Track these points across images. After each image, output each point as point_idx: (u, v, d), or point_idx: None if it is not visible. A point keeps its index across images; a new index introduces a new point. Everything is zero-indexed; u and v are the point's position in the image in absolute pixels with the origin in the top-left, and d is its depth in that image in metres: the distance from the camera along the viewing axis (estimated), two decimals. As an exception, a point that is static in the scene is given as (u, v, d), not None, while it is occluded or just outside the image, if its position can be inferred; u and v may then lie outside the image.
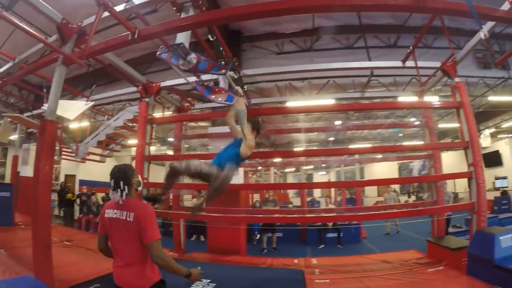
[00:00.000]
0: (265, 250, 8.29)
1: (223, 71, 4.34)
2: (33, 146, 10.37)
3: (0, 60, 6.82)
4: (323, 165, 17.63)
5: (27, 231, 7.95)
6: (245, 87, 6.94)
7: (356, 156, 8.94)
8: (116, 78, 9.68)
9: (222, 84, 6.02)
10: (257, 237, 9.24)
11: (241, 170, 7.70)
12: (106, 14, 4.41)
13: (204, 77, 6.53)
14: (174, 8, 4.41)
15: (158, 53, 4.85)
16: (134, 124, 7.66)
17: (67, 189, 10.99)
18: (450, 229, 8.06)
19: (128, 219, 2.10)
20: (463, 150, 5.49)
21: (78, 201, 10.77)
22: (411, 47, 6.12)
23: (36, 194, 4.08)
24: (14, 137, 9.62)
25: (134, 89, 7.15)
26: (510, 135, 13.20)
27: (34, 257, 3.97)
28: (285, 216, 6.72)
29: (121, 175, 2.17)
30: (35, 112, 8.84)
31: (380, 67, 6.75)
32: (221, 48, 4.79)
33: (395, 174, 14.36)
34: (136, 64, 9.30)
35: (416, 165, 15.43)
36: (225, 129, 7.42)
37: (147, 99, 6.65)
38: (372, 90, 8.67)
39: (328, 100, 7.93)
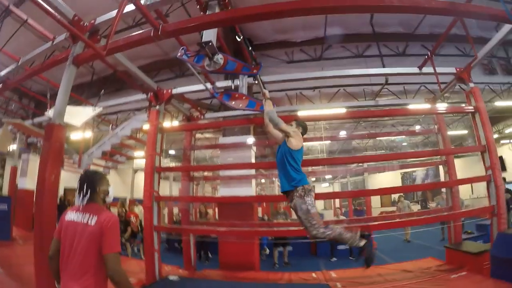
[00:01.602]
0: (277, 265, 7.99)
1: (254, 71, 4.12)
2: (33, 157, 9.98)
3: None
4: (327, 176, 17.42)
5: (25, 247, 7.62)
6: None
7: (364, 165, 8.82)
8: (120, 87, 9.47)
9: (243, 89, 5.81)
10: (267, 252, 8.94)
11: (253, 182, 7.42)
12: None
13: (219, 84, 6.35)
14: (198, 6, 4.21)
15: (179, 54, 4.62)
16: (142, 133, 7.37)
17: (68, 203, 10.50)
18: (462, 236, 7.97)
19: (89, 223, 1.95)
20: (480, 154, 5.53)
21: None
22: (428, 53, 6.04)
23: (41, 207, 3.75)
24: (13, 146, 9.21)
25: (141, 97, 6.90)
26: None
27: (37, 277, 3.56)
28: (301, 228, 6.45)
29: (87, 179, 2.12)
30: (36, 120, 8.49)
31: (396, 74, 6.65)
32: (250, 48, 4.58)
33: (398, 184, 14.22)
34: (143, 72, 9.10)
35: (419, 174, 15.42)
36: (236, 139, 7.27)
37: (157, 107, 6.41)
38: (383, 99, 8.59)
39: (339, 109, 7.79)
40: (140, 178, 15.80)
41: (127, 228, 8.62)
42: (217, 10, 4.21)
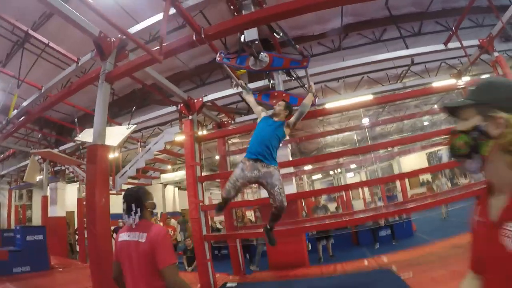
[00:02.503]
0: (322, 259, 7.92)
1: (304, 63, 4.09)
2: (61, 185, 9.91)
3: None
4: (352, 166, 17.31)
5: (67, 274, 7.55)
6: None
7: (394, 149, 8.76)
8: (140, 105, 9.41)
9: (280, 87, 5.75)
10: (309, 247, 8.87)
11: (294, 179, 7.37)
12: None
13: (254, 85, 6.32)
14: (232, 7, 4.16)
15: (218, 58, 4.60)
16: (169, 146, 7.31)
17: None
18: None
19: (140, 240, 1.94)
20: None
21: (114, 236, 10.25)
22: (453, 28, 6.00)
23: (94, 233, 3.59)
24: (39, 177, 9.12)
25: (171, 109, 6.87)
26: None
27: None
28: (350, 219, 6.40)
29: (133, 197, 2.11)
30: (61, 148, 8.42)
31: (421, 54, 6.57)
32: (293, 43, 4.55)
33: (425, 165, 14.15)
34: (160, 88, 9.06)
35: (444, 152, 15.35)
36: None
37: (190, 117, 6.35)
38: (407, 80, 8.56)
39: (366, 96, 7.75)
40: (169, 192, 15.76)
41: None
42: (252, 9, 4.21)
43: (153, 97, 8.76)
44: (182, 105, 6.46)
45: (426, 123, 13.97)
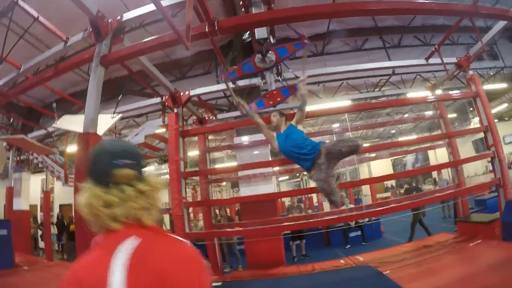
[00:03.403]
0: (296, 258, 8.09)
1: (305, 41, 4.15)
2: (26, 175, 9.24)
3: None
4: None
5: (34, 273, 7.06)
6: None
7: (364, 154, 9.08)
8: (115, 95, 9.02)
9: (272, 86, 5.77)
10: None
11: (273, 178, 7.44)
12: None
13: (240, 83, 6.32)
14: (241, 2, 4.13)
15: (222, 79, 4.71)
16: (156, 140, 7.10)
17: (70, 221, 9.84)
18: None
19: None
20: (483, 133, 6.06)
21: None
22: (436, 46, 6.42)
23: (87, 229, 3.38)
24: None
25: (152, 101, 6.71)
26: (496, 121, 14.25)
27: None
28: (327, 219, 6.58)
29: None
30: (29, 135, 7.84)
31: (403, 66, 6.97)
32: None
33: (390, 171, 14.84)
34: (144, 76, 8.76)
35: (409, 159, 16.18)
36: (253, 137, 7.22)
37: (175, 110, 6.22)
38: (385, 89, 8.94)
39: (345, 102, 8.03)
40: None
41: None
42: (262, 7, 4.22)
43: (129, 87, 8.43)
44: (167, 97, 6.31)
45: (393, 131, 14.71)
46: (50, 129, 7.67)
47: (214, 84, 7.14)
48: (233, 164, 7.40)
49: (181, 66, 8.50)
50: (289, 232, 7.98)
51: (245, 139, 7.03)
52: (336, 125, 10.53)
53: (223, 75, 4.55)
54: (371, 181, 8.95)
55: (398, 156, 14.19)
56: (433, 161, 13.67)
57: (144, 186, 1.01)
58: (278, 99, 5.55)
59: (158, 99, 6.94)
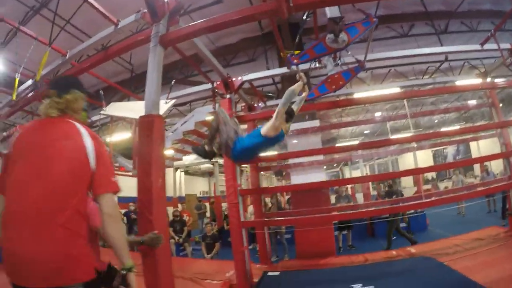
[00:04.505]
0: (342, 249, 7.91)
1: (374, 19, 3.96)
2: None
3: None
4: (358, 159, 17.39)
5: None
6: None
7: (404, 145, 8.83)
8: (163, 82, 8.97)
9: (333, 71, 5.58)
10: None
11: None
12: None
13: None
14: None
15: (294, 65, 4.45)
16: (204, 127, 6.97)
17: None
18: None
19: None
20: None
21: (125, 220, 9.76)
22: (492, 31, 6.12)
23: (152, 218, 3.15)
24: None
25: (206, 87, 6.57)
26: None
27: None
28: (374, 209, 6.39)
29: None
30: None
31: (456, 52, 6.71)
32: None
33: (430, 162, 14.49)
34: (182, 66, 8.69)
35: (450, 151, 15.78)
36: (301, 125, 7.05)
37: (228, 96, 6.07)
38: (435, 76, 8.68)
39: (393, 89, 7.80)
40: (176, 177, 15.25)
41: (183, 228, 8.30)
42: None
43: (173, 76, 8.36)
44: (218, 83, 6.18)
45: (436, 121, 14.31)
46: (95, 118, 7.61)
47: (259, 71, 6.96)
48: (280, 152, 7.18)
49: (225, 53, 8.38)
50: (336, 222, 7.80)
51: (295, 126, 6.86)
52: (378, 114, 10.31)
53: (295, 59, 4.35)
54: (410, 172, 8.60)
55: (438, 148, 13.84)
56: (475, 153, 13.26)
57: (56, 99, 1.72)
58: (341, 82, 5.36)
59: (202, 87, 6.87)
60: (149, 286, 3.09)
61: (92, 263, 1.53)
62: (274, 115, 3.10)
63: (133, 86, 8.06)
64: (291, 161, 7.03)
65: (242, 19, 3.83)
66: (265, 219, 6.68)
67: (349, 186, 12.07)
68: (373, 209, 6.53)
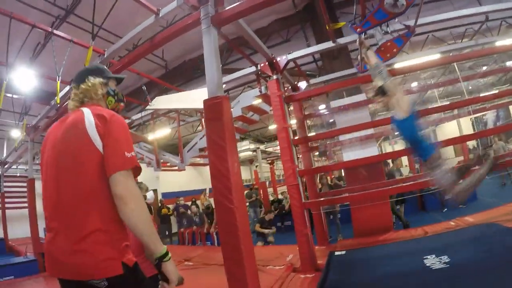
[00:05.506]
0: (395, 225, 7.74)
1: None
2: None
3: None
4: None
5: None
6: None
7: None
8: (190, 78, 8.92)
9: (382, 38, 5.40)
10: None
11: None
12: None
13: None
14: None
15: (358, 34, 4.28)
16: (250, 112, 6.89)
17: (161, 205, 10.17)
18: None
19: None
20: None
21: (175, 214, 9.94)
22: None
23: (233, 206, 3.01)
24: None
25: (250, 70, 6.44)
26: None
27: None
28: (422, 181, 6.17)
29: None
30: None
31: (497, 10, 6.36)
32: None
33: (470, 130, 14.09)
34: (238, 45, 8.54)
35: (489, 117, 15.39)
36: (351, 99, 6.87)
37: (274, 77, 5.94)
38: (475, 38, 8.38)
39: (434, 55, 7.52)
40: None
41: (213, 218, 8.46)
42: None
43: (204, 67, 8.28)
44: (263, 64, 6.05)
45: (470, 87, 13.89)
46: (136, 116, 7.63)
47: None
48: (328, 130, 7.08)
49: (259, 36, 8.24)
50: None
51: (345, 101, 6.72)
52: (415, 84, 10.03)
53: (357, 27, 4.20)
54: (453, 141, 8.26)
55: (477, 115, 13.39)
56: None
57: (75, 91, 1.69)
58: (394, 50, 5.17)
59: (241, 73, 6.73)
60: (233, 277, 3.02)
61: (117, 258, 1.36)
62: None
63: (168, 82, 7.99)
64: (341, 138, 6.88)
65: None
66: (321, 199, 6.58)
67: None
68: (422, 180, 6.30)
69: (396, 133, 5.86)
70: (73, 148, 1.43)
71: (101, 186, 1.39)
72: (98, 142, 1.41)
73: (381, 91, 3.34)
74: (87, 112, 1.50)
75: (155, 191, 12.28)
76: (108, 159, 1.40)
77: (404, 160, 12.35)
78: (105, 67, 1.85)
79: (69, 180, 1.40)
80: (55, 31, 5.33)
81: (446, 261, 3.78)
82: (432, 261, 3.88)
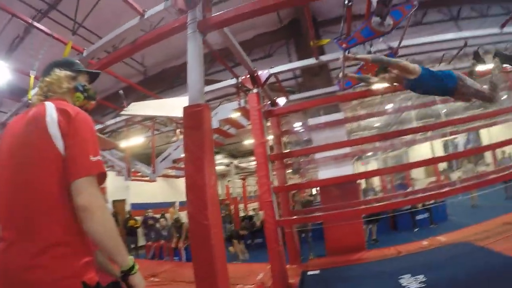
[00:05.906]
0: (367, 243, 7.76)
1: (415, 2, 3.87)
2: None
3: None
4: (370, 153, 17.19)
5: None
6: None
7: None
8: (169, 86, 8.73)
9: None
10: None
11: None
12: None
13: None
14: None
15: (343, 50, 4.32)
16: (227, 125, 6.76)
17: (129, 216, 9.78)
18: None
19: None
20: None
21: (143, 226, 9.56)
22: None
23: (208, 223, 2.86)
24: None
25: (230, 82, 6.35)
26: None
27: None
28: (397, 201, 6.23)
29: None
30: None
31: (475, 37, 6.63)
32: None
33: (440, 153, 14.48)
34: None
35: (460, 140, 15.83)
36: (328, 118, 6.89)
37: (255, 90, 5.86)
38: (452, 63, 8.64)
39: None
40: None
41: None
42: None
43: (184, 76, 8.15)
44: (244, 77, 5.97)
45: (444, 110, 14.29)
46: (110, 121, 7.35)
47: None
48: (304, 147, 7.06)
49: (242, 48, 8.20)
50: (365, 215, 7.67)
51: (322, 119, 6.73)
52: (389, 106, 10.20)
53: (343, 43, 4.22)
54: (426, 163, 8.36)
55: (448, 138, 13.79)
56: (485, 142, 13.28)
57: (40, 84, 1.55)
58: (376, 69, 5.26)
59: (220, 85, 6.64)
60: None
61: (77, 276, 1.18)
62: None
63: (147, 89, 7.79)
64: (317, 156, 6.88)
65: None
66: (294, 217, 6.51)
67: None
68: (400, 200, 6.35)
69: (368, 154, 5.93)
70: (30, 146, 1.28)
71: (61, 192, 1.22)
72: (59, 141, 1.25)
73: (382, 68, 3.52)
74: (50, 106, 1.34)
75: (124, 201, 12.08)
76: (70, 162, 1.24)
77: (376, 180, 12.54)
78: (78, 61, 1.68)
79: (25, 184, 1.23)
80: (35, 23, 5.05)
81: (423, 280, 3.84)
82: (409, 281, 3.93)
